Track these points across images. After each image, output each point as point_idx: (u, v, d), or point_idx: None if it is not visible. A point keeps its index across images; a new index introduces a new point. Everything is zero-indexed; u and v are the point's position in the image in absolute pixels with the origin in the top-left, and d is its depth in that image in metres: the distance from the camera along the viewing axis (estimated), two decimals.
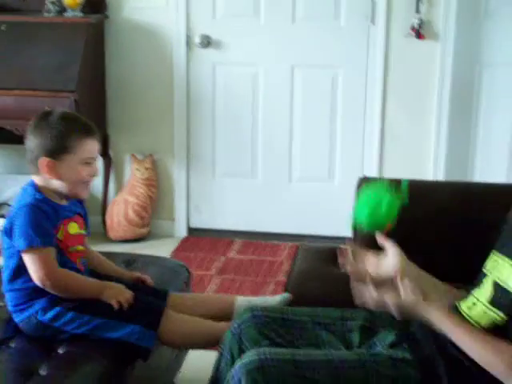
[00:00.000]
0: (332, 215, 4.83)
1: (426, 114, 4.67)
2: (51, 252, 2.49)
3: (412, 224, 2.88)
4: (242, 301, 2.79)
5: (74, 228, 2.61)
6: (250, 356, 2.13)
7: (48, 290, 2.50)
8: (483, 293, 2.15)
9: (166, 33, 4.81)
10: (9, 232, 2.51)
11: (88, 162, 2.57)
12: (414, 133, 4.72)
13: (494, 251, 2.24)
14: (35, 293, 2.52)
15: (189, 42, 4.81)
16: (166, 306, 2.66)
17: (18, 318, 2.55)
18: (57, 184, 2.54)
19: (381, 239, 2.38)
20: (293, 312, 2.40)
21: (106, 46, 4.84)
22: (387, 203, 2.32)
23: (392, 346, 2.21)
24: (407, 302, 2.10)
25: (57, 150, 2.51)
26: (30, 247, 2.46)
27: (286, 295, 2.74)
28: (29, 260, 2.47)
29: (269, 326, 2.34)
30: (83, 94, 4.46)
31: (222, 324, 2.66)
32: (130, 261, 3.10)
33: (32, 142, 2.55)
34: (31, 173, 2.59)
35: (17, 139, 4.54)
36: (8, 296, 2.58)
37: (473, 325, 2.11)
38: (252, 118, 4.89)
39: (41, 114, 2.60)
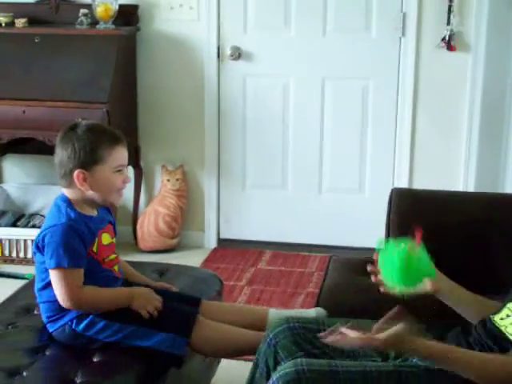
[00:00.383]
0: (362, 227, 4.83)
1: (457, 125, 4.66)
2: (78, 274, 2.50)
3: (443, 236, 2.89)
4: (274, 314, 2.78)
5: (106, 239, 2.63)
6: (286, 367, 2.14)
7: (72, 309, 2.52)
8: None
9: (197, 45, 4.84)
10: (41, 248, 2.53)
11: (119, 170, 2.58)
12: (445, 144, 4.71)
13: None
14: None
15: (220, 54, 4.84)
16: (198, 312, 2.67)
17: (51, 328, 2.57)
18: (91, 194, 2.56)
19: None
20: (328, 323, 2.40)
21: (137, 58, 4.88)
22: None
23: None
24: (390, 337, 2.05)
25: (88, 162, 2.52)
26: (58, 267, 2.47)
27: (322, 311, 2.72)
28: (55, 279, 2.49)
29: (304, 337, 2.34)
30: (115, 106, 4.50)
31: (255, 333, 2.66)
32: (162, 270, 3.12)
33: (62, 155, 2.55)
34: (62, 186, 2.60)
35: (48, 150, 4.60)
36: (42, 307, 2.60)
37: (507, 338, 2.10)
38: (282, 130, 4.90)
39: (67, 127, 2.60)
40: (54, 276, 2.49)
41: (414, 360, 2.18)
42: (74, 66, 4.56)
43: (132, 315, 2.55)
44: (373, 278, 2.32)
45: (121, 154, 2.59)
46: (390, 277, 2.25)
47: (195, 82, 4.88)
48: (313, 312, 2.72)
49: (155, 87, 4.93)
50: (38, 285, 2.60)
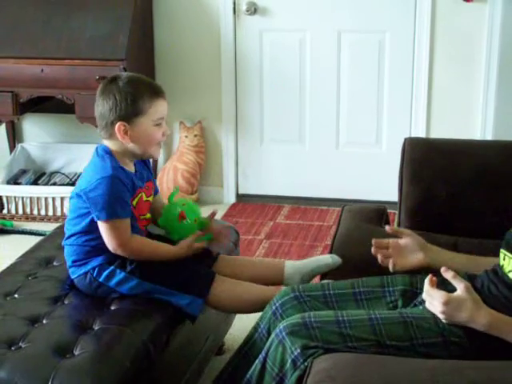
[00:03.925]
0: (380, 180, 4.85)
1: (474, 76, 4.64)
2: (128, 223, 2.54)
3: (459, 183, 2.90)
4: (291, 266, 2.79)
5: (144, 196, 2.65)
6: (293, 318, 2.18)
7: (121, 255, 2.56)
8: None
9: (214, 0, 4.83)
10: (84, 198, 2.52)
11: (159, 123, 2.58)
12: (462, 95, 4.68)
13: None
14: (95, 251, 2.58)
15: (235, 10, 4.84)
16: (215, 273, 2.68)
17: (74, 274, 2.61)
18: (131, 147, 2.56)
19: (394, 230, 2.51)
20: (333, 287, 2.42)
21: (154, 14, 4.89)
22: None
23: None
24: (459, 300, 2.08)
25: (129, 114, 2.52)
26: (111, 219, 2.50)
27: (336, 258, 2.72)
28: (105, 229, 2.51)
29: (310, 305, 2.35)
30: (132, 62, 4.52)
31: (272, 288, 2.68)
32: None
33: (103, 107, 2.55)
34: (103, 138, 2.60)
35: (67, 108, 4.64)
36: (68, 249, 2.63)
37: None
38: (299, 84, 4.90)
39: (108, 79, 2.59)
40: (105, 227, 2.50)
41: (421, 307, 2.21)
42: (91, 23, 4.57)
43: (154, 273, 2.58)
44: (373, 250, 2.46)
45: (161, 106, 2.59)
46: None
47: (212, 37, 4.88)
48: (328, 258, 2.73)
49: (172, 43, 4.94)
50: (70, 228, 2.62)
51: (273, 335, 2.18)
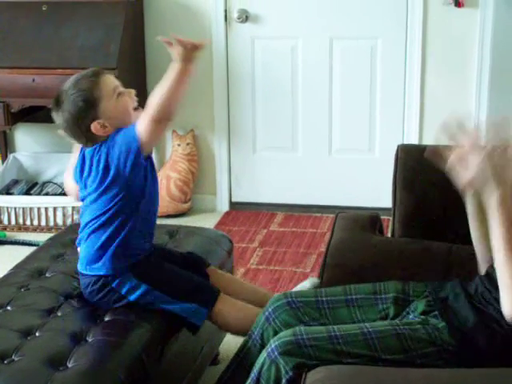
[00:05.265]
0: (373, 186, 4.84)
1: (466, 82, 4.64)
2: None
3: (452, 190, 2.87)
4: None
5: None
6: (285, 336, 2.16)
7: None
8: None
9: (205, 9, 4.83)
10: (106, 169, 2.54)
11: (120, 93, 2.57)
12: (454, 102, 4.68)
13: None
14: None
15: (227, 17, 4.83)
16: (220, 291, 2.69)
17: (90, 271, 2.59)
18: (116, 127, 2.55)
19: None
20: (326, 293, 2.41)
21: (145, 23, 4.88)
22: None
23: (423, 313, 2.23)
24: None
25: (92, 111, 2.51)
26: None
27: (313, 279, 2.78)
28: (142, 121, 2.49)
29: (302, 310, 2.35)
30: (124, 72, 4.51)
31: None
32: (173, 232, 3.14)
33: (67, 123, 2.55)
34: (89, 146, 2.57)
35: None
36: (88, 245, 2.60)
37: None
38: (291, 92, 4.90)
39: (53, 100, 2.59)
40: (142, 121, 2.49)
41: (410, 317, 2.20)
42: (82, 33, 4.57)
43: (162, 280, 2.59)
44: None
45: (107, 81, 2.58)
46: None
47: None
48: (306, 284, 2.80)
49: (164, 52, 4.85)
50: (91, 225, 2.58)
51: (264, 354, 2.16)
